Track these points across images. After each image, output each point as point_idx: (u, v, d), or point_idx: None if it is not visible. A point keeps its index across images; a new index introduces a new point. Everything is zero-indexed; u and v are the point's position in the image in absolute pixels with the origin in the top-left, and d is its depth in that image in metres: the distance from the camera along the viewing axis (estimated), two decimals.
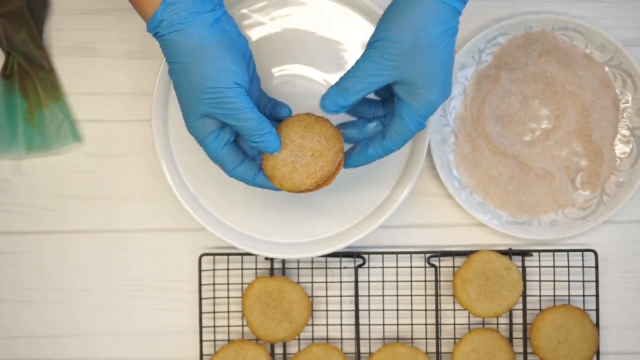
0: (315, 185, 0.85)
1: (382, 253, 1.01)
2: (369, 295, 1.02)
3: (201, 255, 1.00)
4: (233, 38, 0.84)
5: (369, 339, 1.01)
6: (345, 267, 1.02)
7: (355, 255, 1.00)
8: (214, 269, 1.01)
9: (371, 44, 0.82)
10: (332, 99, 0.84)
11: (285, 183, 0.85)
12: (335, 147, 0.86)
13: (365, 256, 1.01)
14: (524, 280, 1.00)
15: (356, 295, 1.01)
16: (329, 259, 1.01)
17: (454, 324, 1.01)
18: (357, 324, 1.01)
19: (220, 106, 0.82)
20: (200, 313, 1.00)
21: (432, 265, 1.01)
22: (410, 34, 0.80)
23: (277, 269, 1.01)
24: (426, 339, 1.01)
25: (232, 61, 0.82)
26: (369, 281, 1.02)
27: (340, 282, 1.01)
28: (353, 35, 0.97)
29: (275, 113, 0.90)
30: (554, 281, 1.01)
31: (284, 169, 0.85)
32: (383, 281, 1.01)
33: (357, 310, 1.01)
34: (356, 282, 1.01)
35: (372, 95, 0.89)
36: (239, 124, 0.83)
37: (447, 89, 0.83)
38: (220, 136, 0.85)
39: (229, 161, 0.86)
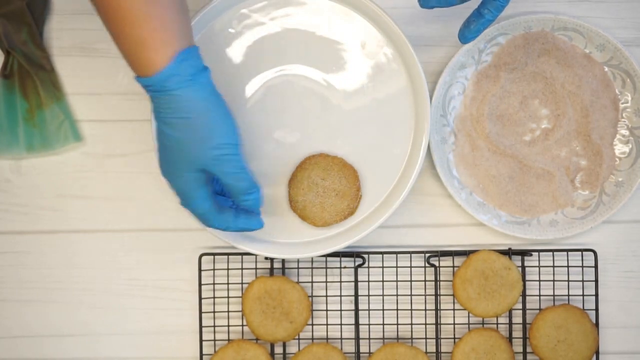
0: (343, 220, 0.97)
1: (382, 253, 1.01)
2: (368, 295, 1.02)
3: (201, 255, 1.00)
4: (209, 105, 0.84)
5: (369, 338, 1.01)
6: (345, 267, 1.02)
7: (355, 255, 1.01)
8: (214, 269, 1.01)
9: None
10: None
11: (318, 222, 0.97)
12: (355, 185, 0.96)
13: (365, 256, 1.01)
14: (524, 280, 1.01)
15: (356, 295, 1.01)
16: (329, 258, 1.01)
17: (454, 324, 1.01)
18: (356, 324, 1.01)
19: (225, 161, 0.83)
20: (200, 313, 1.00)
21: (432, 265, 1.01)
22: None
23: (277, 269, 1.01)
24: (426, 338, 1.02)
25: (232, 120, 0.84)
26: (368, 281, 1.02)
27: (340, 281, 1.01)
28: (353, 35, 0.97)
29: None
30: (554, 281, 1.01)
31: (314, 210, 0.97)
32: (383, 281, 1.02)
33: (356, 310, 1.01)
34: (356, 281, 1.01)
35: None
36: (234, 182, 0.85)
37: None
38: (207, 190, 0.86)
39: (214, 213, 0.87)
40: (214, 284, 1.01)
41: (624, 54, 0.99)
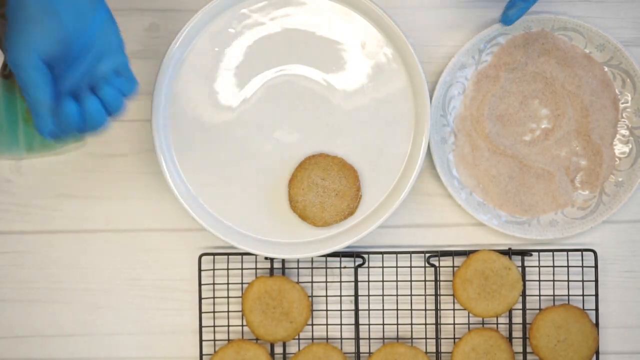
0: (343, 220, 0.98)
1: (382, 253, 1.01)
2: (368, 295, 1.02)
3: (201, 255, 1.00)
4: (71, 4, 0.79)
5: (369, 338, 1.01)
6: (345, 267, 1.02)
7: (355, 255, 1.01)
8: (213, 269, 1.01)
9: None
10: None
11: (318, 222, 0.97)
12: (355, 185, 0.97)
13: (365, 256, 1.01)
14: (524, 280, 1.01)
15: (356, 295, 1.01)
16: (329, 258, 1.01)
17: (454, 324, 1.01)
18: (356, 324, 1.01)
19: (13, 65, 0.79)
20: (200, 313, 1.00)
21: (432, 265, 1.01)
22: None
23: (277, 269, 1.01)
24: (426, 338, 1.02)
25: (46, 28, 0.78)
26: (368, 281, 1.02)
27: (340, 281, 1.01)
28: (353, 35, 0.97)
29: (120, 86, 0.84)
30: (554, 281, 1.01)
31: (314, 210, 0.97)
32: (383, 281, 1.02)
33: (356, 310, 1.01)
34: (356, 281, 1.01)
35: None
36: (23, 90, 0.80)
37: None
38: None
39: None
40: (214, 284, 1.01)
41: (624, 54, 0.99)
